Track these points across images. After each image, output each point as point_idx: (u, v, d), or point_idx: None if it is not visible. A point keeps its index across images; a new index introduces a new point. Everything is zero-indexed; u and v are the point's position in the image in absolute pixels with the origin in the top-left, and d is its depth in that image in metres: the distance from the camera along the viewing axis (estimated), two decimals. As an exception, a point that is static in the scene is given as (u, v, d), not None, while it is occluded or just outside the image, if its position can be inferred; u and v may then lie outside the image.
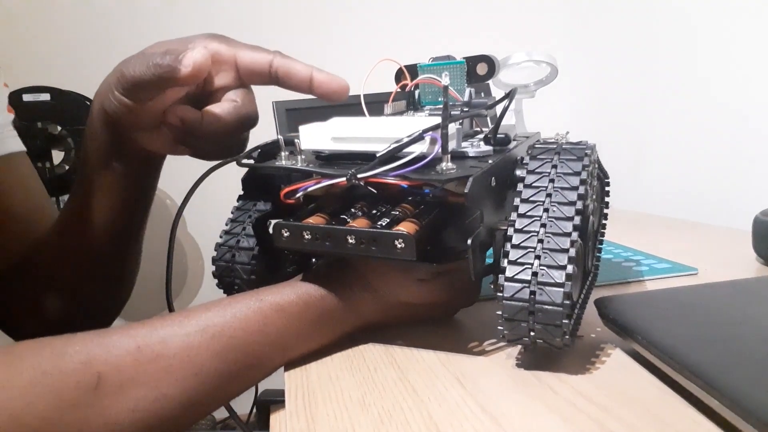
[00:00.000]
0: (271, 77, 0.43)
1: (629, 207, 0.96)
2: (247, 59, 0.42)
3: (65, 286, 0.53)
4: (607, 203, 0.46)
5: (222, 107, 0.42)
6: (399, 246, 0.35)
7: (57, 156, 1.14)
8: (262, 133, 0.57)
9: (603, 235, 0.47)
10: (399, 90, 0.47)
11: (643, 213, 0.90)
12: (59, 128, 1.12)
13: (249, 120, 0.43)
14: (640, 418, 0.29)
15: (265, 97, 0.90)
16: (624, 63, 1.19)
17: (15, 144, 0.55)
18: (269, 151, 0.43)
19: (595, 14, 1.30)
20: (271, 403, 0.38)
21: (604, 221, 0.46)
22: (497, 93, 0.49)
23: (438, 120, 0.35)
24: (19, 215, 0.54)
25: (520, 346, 0.38)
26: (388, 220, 0.38)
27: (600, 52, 1.28)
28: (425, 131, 0.35)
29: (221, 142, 0.43)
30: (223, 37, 0.43)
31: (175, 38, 0.43)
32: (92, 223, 0.49)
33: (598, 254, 0.46)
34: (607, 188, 0.46)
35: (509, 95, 0.41)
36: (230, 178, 0.50)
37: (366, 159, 0.36)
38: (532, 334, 0.33)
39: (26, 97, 1.13)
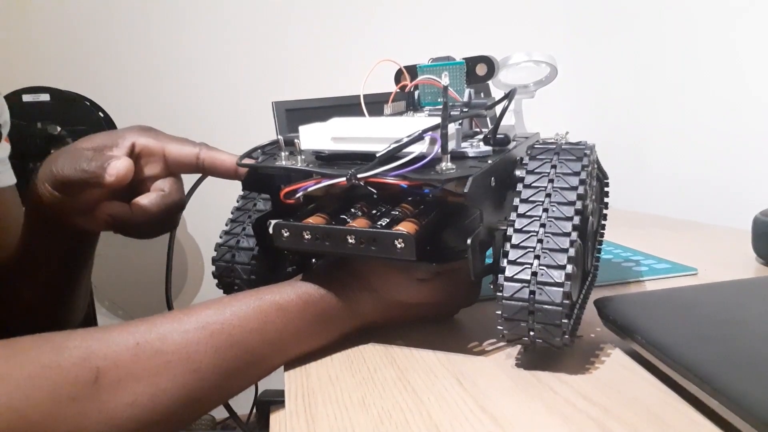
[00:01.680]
0: (198, 168, 0.46)
1: (629, 207, 0.96)
2: (174, 152, 0.45)
3: (24, 304, 0.54)
4: (607, 203, 0.46)
5: (149, 198, 0.45)
6: (399, 246, 0.35)
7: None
8: (263, 133, 0.57)
9: (603, 235, 0.47)
10: (399, 90, 0.47)
11: (643, 213, 0.90)
12: (59, 128, 1.12)
13: (176, 206, 0.46)
14: (640, 418, 0.29)
15: (266, 97, 0.90)
16: (624, 63, 1.19)
17: (9, 178, 0.58)
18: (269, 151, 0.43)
19: (594, 14, 1.30)
20: (271, 403, 0.38)
21: (603, 221, 0.46)
22: (497, 93, 0.49)
23: (437, 120, 0.35)
24: (4, 244, 0.55)
25: (520, 346, 0.38)
26: (387, 220, 0.38)
27: (600, 52, 1.28)
28: (425, 131, 0.35)
29: (152, 226, 0.46)
30: (152, 131, 0.46)
31: (105, 132, 0.46)
32: (34, 279, 0.52)
33: (597, 254, 0.45)
34: (606, 188, 0.46)
35: (508, 95, 0.41)
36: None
37: (366, 159, 0.36)
38: (531, 333, 0.33)
39: (26, 97, 1.13)
